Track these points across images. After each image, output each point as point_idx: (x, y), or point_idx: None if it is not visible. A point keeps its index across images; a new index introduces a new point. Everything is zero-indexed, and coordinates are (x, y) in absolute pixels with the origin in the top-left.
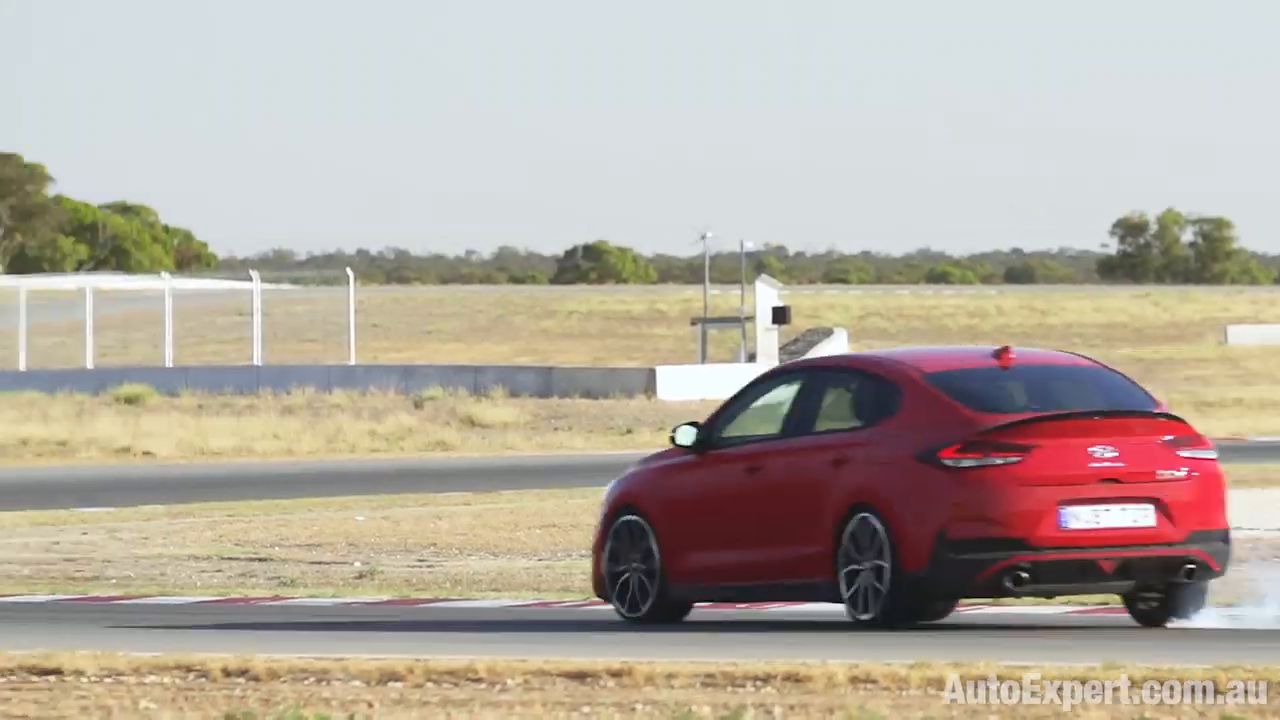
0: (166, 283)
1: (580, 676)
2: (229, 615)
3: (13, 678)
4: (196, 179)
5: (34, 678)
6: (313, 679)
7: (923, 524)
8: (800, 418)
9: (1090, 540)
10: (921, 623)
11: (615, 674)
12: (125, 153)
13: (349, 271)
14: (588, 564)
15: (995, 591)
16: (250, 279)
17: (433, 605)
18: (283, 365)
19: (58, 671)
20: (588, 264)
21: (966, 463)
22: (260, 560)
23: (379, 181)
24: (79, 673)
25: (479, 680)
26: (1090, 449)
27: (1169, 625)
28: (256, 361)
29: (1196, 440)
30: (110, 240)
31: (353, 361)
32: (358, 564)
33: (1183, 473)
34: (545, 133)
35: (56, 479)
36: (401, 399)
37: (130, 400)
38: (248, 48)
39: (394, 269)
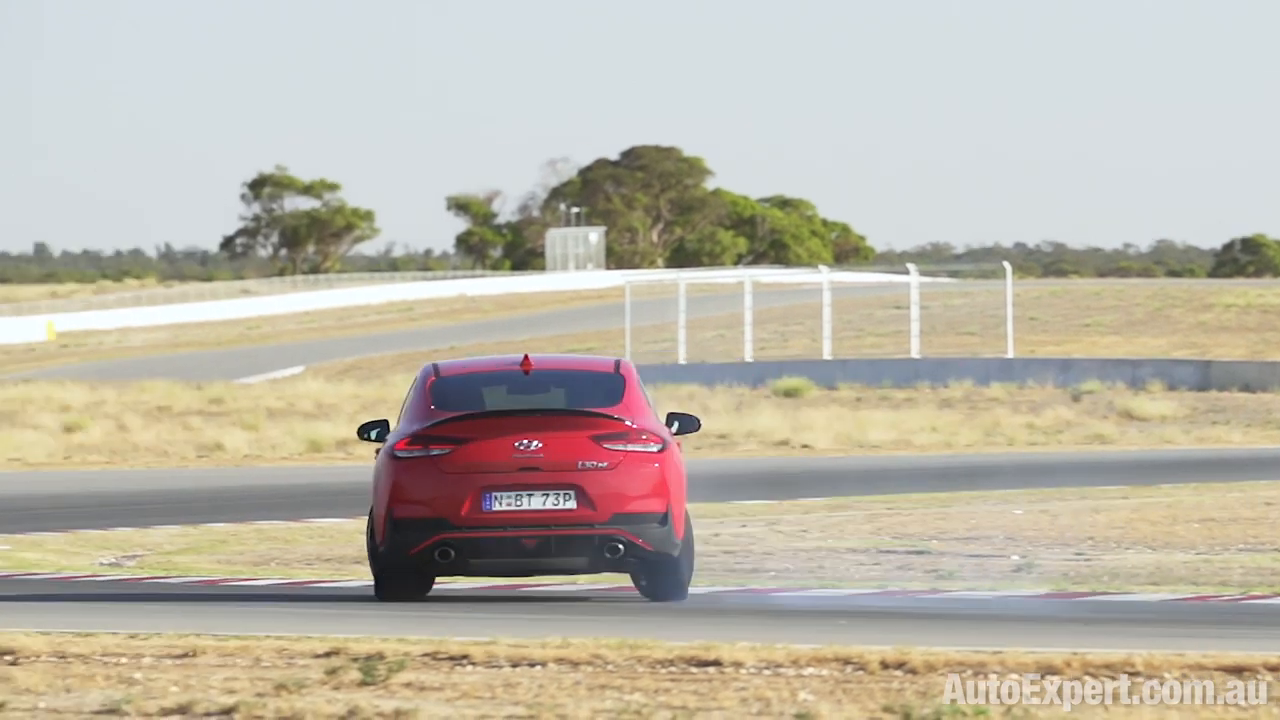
0: (824, 276)
1: (1238, 671)
2: (883, 606)
3: (672, 669)
4: (855, 174)
5: (693, 669)
6: (970, 672)
7: (381, 506)
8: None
9: (511, 520)
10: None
11: (1274, 669)
12: (783, 147)
13: (1006, 265)
14: (1246, 559)
15: (430, 566)
16: (907, 272)
17: (1090, 599)
18: (940, 358)
19: (717, 663)
20: (1245, 257)
21: (410, 454)
22: (918, 553)
23: (1036, 175)
24: (738, 664)
25: (1136, 674)
26: (515, 442)
27: (660, 603)
28: (914, 354)
29: (633, 436)
30: (769, 234)
31: (1010, 355)
32: (1015, 557)
33: (605, 464)
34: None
35: (718, 472)
36: (1059, 392)
37: (789, 393)
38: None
39: (1051, 262)
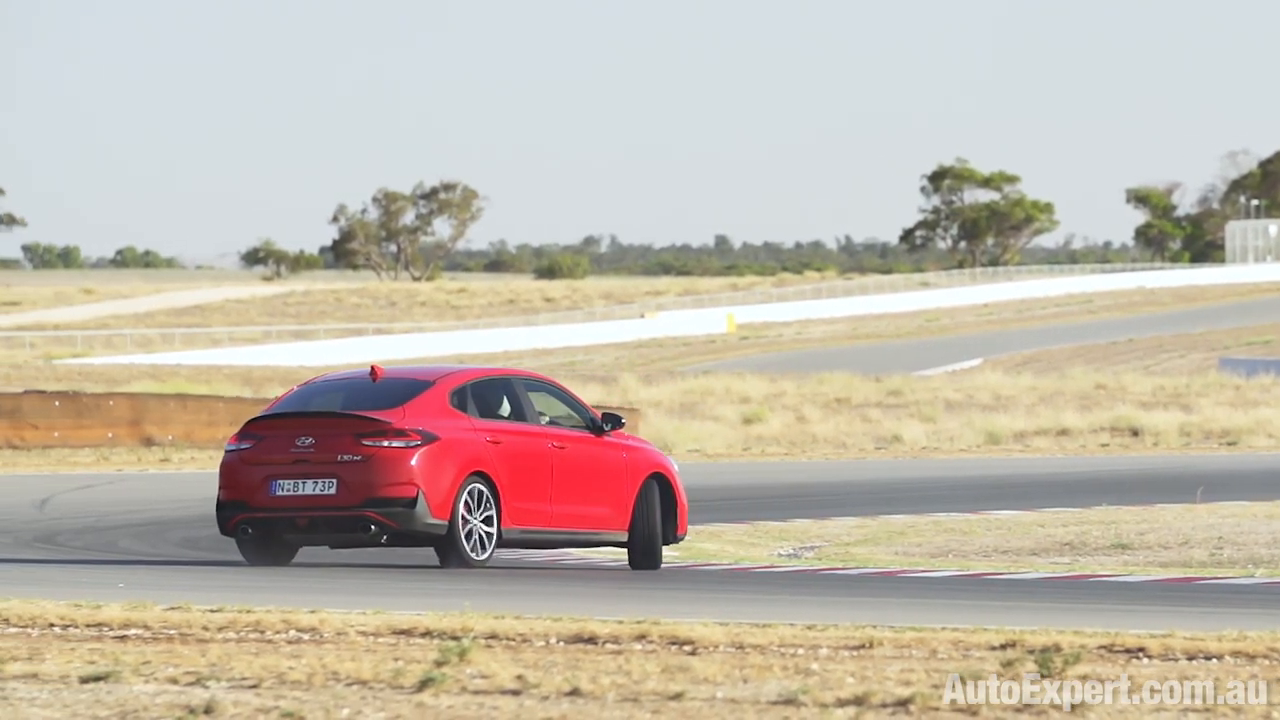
0: None
1: None
2: None
3: None
4: None
5: None
6: None
7: (218, 491)
8: None
9: (289, 503)
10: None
11: None
12: None
13: None
14: None
15: (254, 537)
16: None
17: None
18: None
19: None
20: None
21: (232, 447)
22: None
23: None
24: None
25: None
26: (295, 439)
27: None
28: None
29: (386, 432)
30: None
31: None
32: None
33: (360, 457)
34: None
35: None
36: None
37: None
38: None
39: None
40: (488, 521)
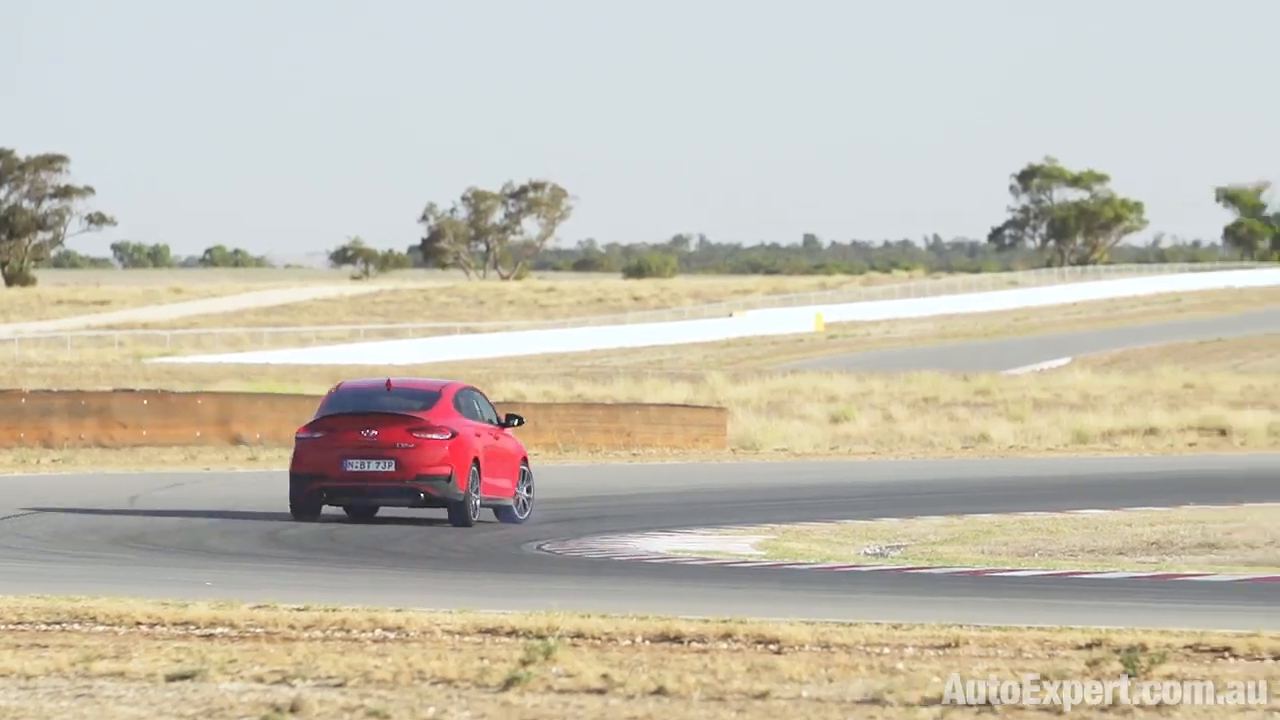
0: None
1: None
2: None
3: None
4: None
5: None
6: None
7: (291, 466)
8: None
9: (360, 476)
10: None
11: None
12: None
13: None
14: None
15: (318, 502)
16: None
17: None
18: None
19: None
20: None
21: (304, 435)
22: None
23: None
24: None
25: None
26: (361, 430)
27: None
28: None
29: (428, 428)
30: None
31: None
32: None
33: (411, 445)
34: None
35: None
36: None
37: None
38: None
39: None
40: (477, 492)
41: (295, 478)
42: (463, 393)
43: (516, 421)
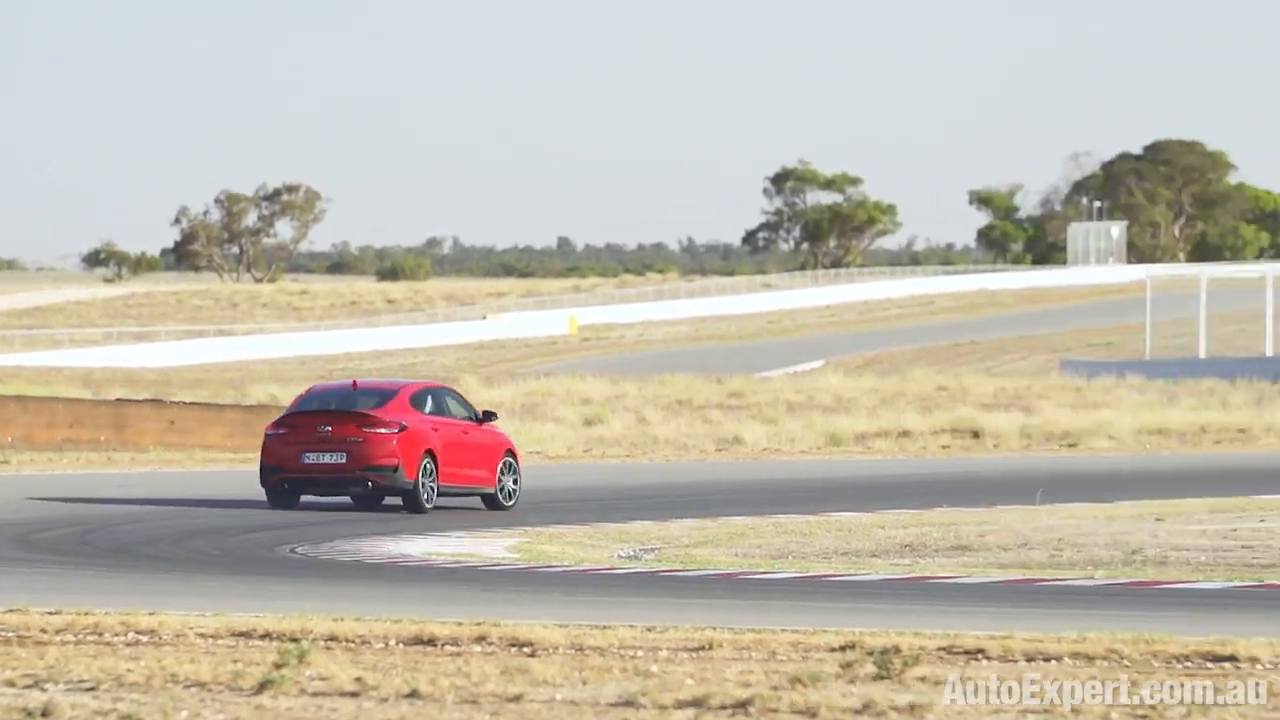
0: None
1: None
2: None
3: (1187, 664)
4: None
5: (1209, 664)
6: None
7: (260, 459)
8: None
9: (316, 468)
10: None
11: None
12: None
13: None
14: None
15: (284, 491)
16: None
17: None
18: None
19: (1233, 658)
20: None
21: (271, 432)
22: None
23: None
24: (1254, 659)
25: None
26: (319, 426)
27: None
28: None
29: (377, 423)
30: None
31: None
32: None
33: (360, 439)
34: None
35: (1235, 466)
36: None
37: None
38: None
39: None
40: (433, 480)
41: (262, 469)
42: (426, 391)
43: (488, 418)
